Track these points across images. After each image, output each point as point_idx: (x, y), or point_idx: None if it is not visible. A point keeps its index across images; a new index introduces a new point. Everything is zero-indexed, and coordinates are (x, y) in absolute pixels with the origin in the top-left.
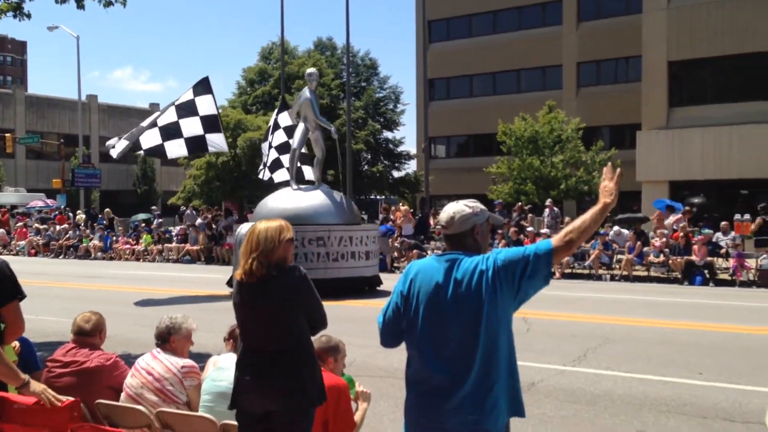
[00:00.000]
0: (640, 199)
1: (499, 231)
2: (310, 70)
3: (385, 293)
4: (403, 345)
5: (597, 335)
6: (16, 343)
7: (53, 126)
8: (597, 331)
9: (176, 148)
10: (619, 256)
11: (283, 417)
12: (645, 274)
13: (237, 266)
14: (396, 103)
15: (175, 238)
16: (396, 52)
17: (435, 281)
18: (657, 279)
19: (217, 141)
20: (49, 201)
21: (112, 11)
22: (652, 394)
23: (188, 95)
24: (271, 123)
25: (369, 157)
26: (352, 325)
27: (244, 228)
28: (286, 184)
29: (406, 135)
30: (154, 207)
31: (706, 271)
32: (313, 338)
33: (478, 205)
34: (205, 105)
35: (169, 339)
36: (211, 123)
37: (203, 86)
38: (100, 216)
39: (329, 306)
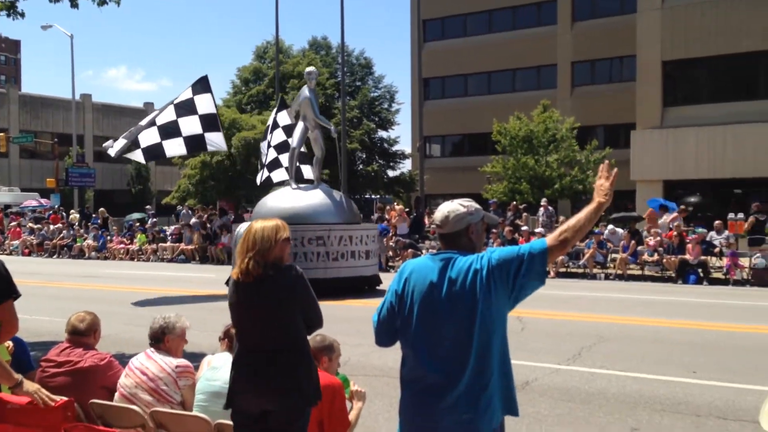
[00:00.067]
0: (634, 198)
1: (494, 230)
2: (310, 68)
3: (384, 293)
4: (398, 344)
5: (591, 334)
6: (9, 343)
7: (47, 125)
8: (591, 330)
9: (175, 147)
10: (614, 255)
11: (280, 416)
12: (639, 273)
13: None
14: (391, 103)
15: (169, 238)
16: (391, 52)
17: (429, 280)
18: (651, 278)
19: (216, 140)
20: (43, 200)
21: (106, 10)
22: (647, 392)
23: (187, 94)
24: (270, 122)
25: (364, 156)
26: (347, 325)
27: (242, 227)
28: (283, 183)
29: (401, 134)
30: (148, 206)
31: (700, 270)
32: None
33: (473, 205)
34: (204, 104)
35: (163, 339)
36: (210, 122)
37: (202, 85)
38: (94, 215)
39: (328, 306)
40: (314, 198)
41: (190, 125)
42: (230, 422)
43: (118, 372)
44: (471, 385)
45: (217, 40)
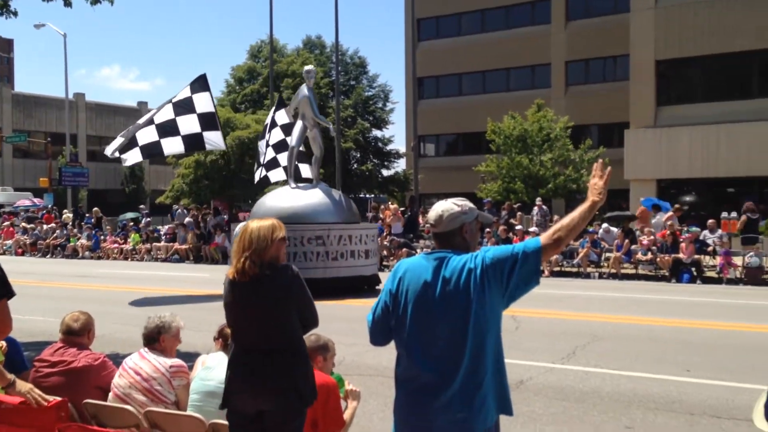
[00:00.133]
0: (628, 197)
1: (488, 229)
2: (308, 67)
3: None
4: (393, 344)
5: (585, 333)
6: (2, 343)
7: (40, 124)
8: (585, 329)
9: (173, 146)
10: (608, 254)
11: (276, 416)
12: (633, 271)
13: None
14: (385, 102)
15: (163, 237)
16: (385, 51)
17: (423, 280)
18: (645, 277)
19: (214, 139)
20: (36, 200)
21: (100, 9)
22: (641, 391)
23: (185, 92)
24: (269, 121)
25: (358, 155)
26: (342, 324)
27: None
28: (281, 182)
29: (396, 133)
30: (142, 206)
31: (693, 269)
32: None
33: (467, 204)
34: (203, 102)
35: (158, 338)
36: (208, 120)
37: (200, 83)
38: (87, 215)
39: (328, 305)
40: (313, 197)
41: (189, 124)
42: (225, 422)
43: (112, 372)
44: (465, 385)
45: (212, 39)
